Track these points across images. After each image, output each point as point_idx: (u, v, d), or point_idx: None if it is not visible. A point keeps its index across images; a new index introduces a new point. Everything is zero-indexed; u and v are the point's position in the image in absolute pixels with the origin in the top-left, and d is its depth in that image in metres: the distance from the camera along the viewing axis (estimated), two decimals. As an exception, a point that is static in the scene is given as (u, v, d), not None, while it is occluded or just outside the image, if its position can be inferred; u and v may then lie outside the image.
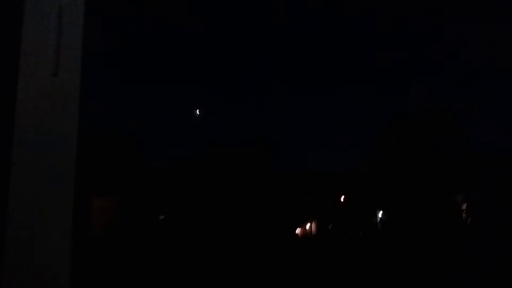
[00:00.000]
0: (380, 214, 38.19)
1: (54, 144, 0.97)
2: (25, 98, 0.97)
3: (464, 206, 33.20)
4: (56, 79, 1.03)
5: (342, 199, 41.66)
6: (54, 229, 0.92)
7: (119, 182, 24.52)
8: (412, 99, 56.46)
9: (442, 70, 54.94)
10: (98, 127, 24.05)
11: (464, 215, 32.88)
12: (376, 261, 16.36)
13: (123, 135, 27.32)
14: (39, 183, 0.94)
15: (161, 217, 27.19)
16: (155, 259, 16.73)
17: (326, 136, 64.29)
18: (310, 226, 43.33)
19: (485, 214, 28.92)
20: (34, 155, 0.94)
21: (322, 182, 39.12)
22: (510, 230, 23.12)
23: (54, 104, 1.01)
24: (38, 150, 0.95)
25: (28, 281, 0.88)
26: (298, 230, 40.64)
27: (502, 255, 15.09)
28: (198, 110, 33.79)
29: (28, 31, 1.02)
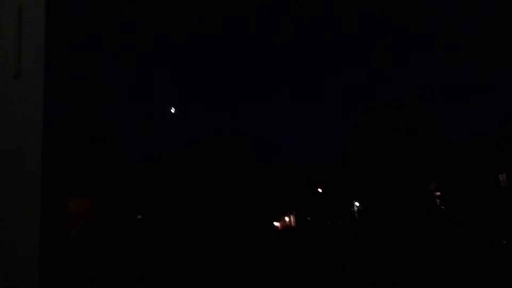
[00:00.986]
0: (357, 204, 38.91)
1: (19, 148, 0.95)
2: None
3: (437, 193, 34.17)
4: (19, 82, 1.00)
5: (319, 191, 42.24)
6: (20, 234, 0.90)
7: (95, 182, 24.05)
8: (383, 90, 57.38)
9: (410, 58, 56.13)
10: (72, 127, 23.50)
11: (437, 201, 33.85)
12: (355, 249, 16.68)
13: (98, 134, 26.78)
14: (3, 187, 0.91)
15: (139, 216, 26.86)
16: (134, 260, 16.56)
17: (301, 131, 64.83)
18: (290, 219, 43.81)
19: (457, 200, 29.82)
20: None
21: (299, 175, 39.58)
22: (481, 215, 23.97)
23: (17, 107, 0.98)
24: (1, 155, 0.92)
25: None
26: (277, 223, 41.03)
27: (474, 240, 15.65)
28: (173, 108, 33.43)
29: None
